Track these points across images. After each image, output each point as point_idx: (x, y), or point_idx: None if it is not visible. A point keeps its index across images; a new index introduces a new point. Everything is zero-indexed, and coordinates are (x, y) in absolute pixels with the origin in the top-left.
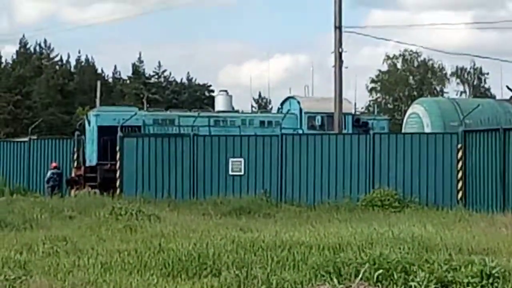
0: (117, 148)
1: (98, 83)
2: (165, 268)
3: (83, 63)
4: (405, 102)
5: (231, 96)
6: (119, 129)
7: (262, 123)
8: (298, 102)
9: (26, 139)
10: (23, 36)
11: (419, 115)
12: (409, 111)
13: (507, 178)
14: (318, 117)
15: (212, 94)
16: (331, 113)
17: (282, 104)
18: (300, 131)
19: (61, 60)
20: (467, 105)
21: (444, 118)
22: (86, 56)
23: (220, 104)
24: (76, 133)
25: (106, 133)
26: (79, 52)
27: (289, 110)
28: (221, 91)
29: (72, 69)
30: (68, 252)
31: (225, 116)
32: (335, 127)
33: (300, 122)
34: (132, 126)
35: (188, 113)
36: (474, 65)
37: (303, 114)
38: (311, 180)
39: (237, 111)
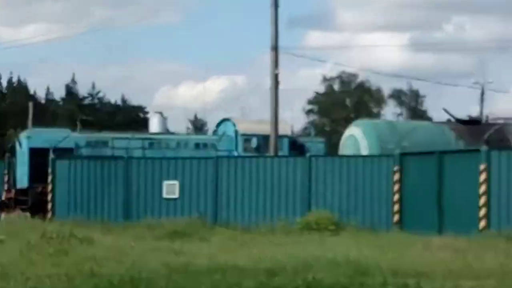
0: (49, 170)
1: (30, 104)
2: None
3: (15, 84)
4: (343, 124)
5: (166, 118)
6: (51, 151)
7: (197, 145)
8: (234, 124)
9: None
10: None
11: (356, 137)
12: (346, 133)
13: (443, 201)
14: (254, 139)
15: (147, 116)
16: (267, 135)
17: (217, 126)
18: (236, 153)
19: None
20: (404, 127)
21: (381, 140)
22: (18, 77)
23: (154, 126)
24: (7, 155)
25: (38, 155)
26: (10, 73)
27: (224, 132)
28: (155, 112)
29: (4, 90)
30: None
31: (159, 138)
32: (271, 149)
33: (235, 144)
34: (65, 148)
35: (122, 135)
36: (411, 87)
37: (238, 136)
38: (247, 203)
39: (172, 133)
